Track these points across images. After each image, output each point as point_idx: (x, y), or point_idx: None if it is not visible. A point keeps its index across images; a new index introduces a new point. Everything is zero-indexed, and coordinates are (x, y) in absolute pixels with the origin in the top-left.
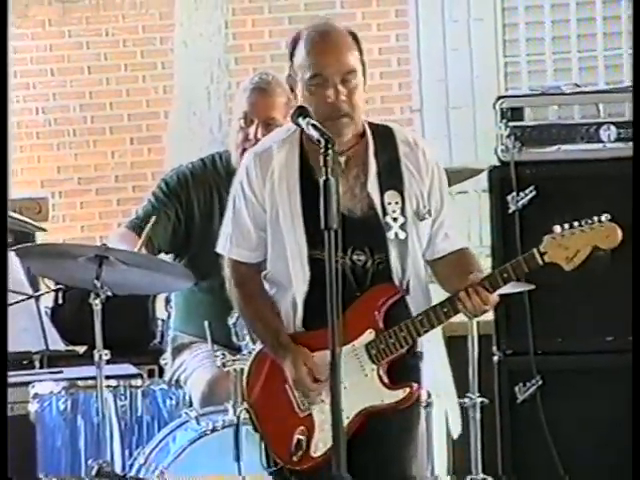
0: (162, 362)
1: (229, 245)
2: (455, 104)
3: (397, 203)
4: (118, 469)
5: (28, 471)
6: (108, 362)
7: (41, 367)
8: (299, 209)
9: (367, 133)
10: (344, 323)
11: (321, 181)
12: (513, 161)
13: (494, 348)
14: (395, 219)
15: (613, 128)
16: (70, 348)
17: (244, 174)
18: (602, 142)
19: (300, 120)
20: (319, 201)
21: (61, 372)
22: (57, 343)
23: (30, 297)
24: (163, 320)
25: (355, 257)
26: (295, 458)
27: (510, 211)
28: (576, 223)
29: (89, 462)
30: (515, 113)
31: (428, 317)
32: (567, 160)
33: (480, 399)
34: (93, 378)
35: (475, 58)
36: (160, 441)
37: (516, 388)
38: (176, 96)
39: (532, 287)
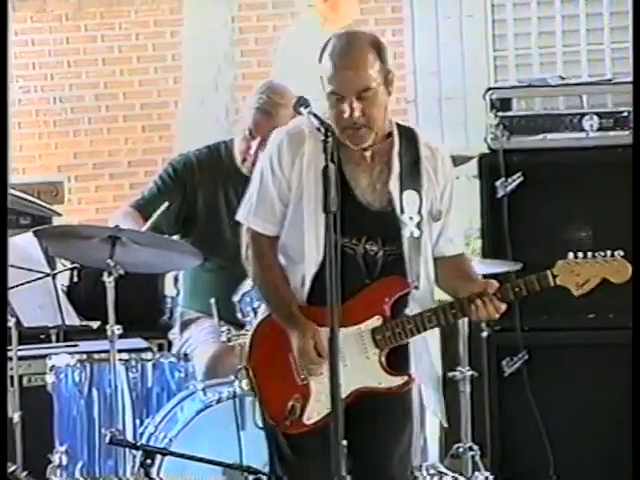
0: (171, 336)
1: (251, 216)
2: (447, 95)
3: (414, 202)
4: (129, 437)
5: (45, 438)
6: (120, 336)
7: (57, 341)
8: (322, 196)
9: (394, 133)
10: (353, 306)
11: (321, 167)
12: (502, 149)
13: (483, 324)
14: (411, 218)
15: (595, 118)
16: (85, 323)
17: (275, 151)
18: (585, 131)
19: (302, 109)
20: (341, 192)
21: (76, 346)
22: (73, 318)
23: (47, 275)
24: (172, 297)
25: (368, 246)
26: (287, 422)
27: (499, 196)
28: (590, 254)
29: (102, 430)
30: (504, 104)
31: (437, 315)
32: (552, 148)
33: (470, 372)
34: (106, 351)
35: (466, 52)
36: (169, 411)
37: (504, 362)
38: (185, 87)
39: (519, 266)
